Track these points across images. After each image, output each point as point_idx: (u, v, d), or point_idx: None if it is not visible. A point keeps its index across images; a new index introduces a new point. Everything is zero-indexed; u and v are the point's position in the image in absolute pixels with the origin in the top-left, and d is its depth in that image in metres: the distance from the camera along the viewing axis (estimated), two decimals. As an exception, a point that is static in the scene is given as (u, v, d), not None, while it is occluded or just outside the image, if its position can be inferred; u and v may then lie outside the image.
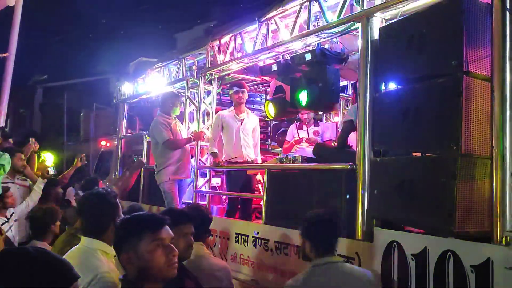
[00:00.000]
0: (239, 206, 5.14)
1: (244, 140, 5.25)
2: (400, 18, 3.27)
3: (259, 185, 5.32)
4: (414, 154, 3.25)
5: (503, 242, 2.37)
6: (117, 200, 2.46)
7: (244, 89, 5.29)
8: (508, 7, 2.51)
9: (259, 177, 5.26)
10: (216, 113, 5.54)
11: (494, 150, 2.52)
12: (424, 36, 2.89)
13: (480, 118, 2.67)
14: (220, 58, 5.29)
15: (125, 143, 7.88)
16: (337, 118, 6.82)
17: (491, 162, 2.55)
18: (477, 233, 2.61)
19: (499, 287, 2.34)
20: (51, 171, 6.38)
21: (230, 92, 5.37)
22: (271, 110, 4.53)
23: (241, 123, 5.28)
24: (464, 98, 2.62)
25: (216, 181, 5.84)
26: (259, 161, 5.42)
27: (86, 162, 7.23)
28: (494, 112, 2.54)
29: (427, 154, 3.04)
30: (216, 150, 5.20)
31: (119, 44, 15.50)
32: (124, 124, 7.86)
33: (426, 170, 2.89)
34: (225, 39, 5.21)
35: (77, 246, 2.35)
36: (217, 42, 5.32)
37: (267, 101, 4.58)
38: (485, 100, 2.65)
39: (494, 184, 2.50)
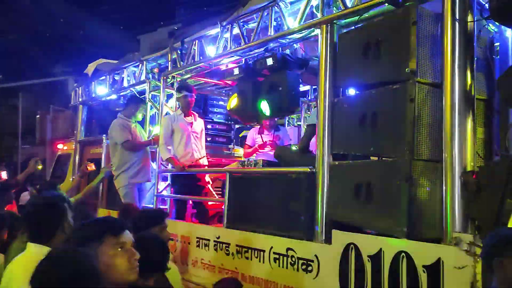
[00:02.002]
0: (194, 210, 5.12)
1: (195, 143, 5.24)
2: (358, 26, 3.37)
3: (209, 186, 5.31)
4: (372, 158, 3.35)
5: (453, 243, 2.48)
6: (66, 204, 2.39)
7: (193, 93, 5.28)
8: (457, 17, 2.63)
9: (207, 178, 5.26)
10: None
11: (444, 154, 2.63)
12: (379, 44, 2.99)
13: (432, 123, 2.78)
14: (183, 61, 5.26)
15: (83, 147, 7.67)
16: (300, 123, 6.92)
17: (441, 166, 2.65)
18: (430, 234, 2.71)
19: (449, 286, 2.44)
20: (4, 175, 6.13)
21: (178, 96, 5.31)
22: (233, 102, 4.52)
23: (191, 126, 5.26)
24: (416, 104, 2.73)
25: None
26: (206, 163, 5.42)
27: (41, 166, 6.98)
28: (444, 118, 2.65)
29: (383, 158, 3.14)
30: (171, 156, 5.15)
31: (78, 45, 15.09)
32: (83, 127, 7.66)
33: (381, 173, 2.97)
34: (188, 42, 5.19)
35: (23, 253, 2.26)
36: (179, 45, 5.28)
37: (234, 94, 4.56)
38: (436, 106, 2.76)
39: (444, 187, 2.60)
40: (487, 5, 2.66)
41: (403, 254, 2.69)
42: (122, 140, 5.40)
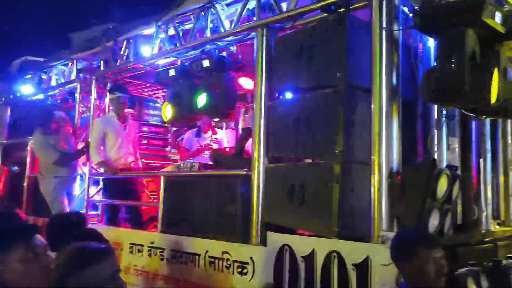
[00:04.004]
0: (128, 215, 4.96)
1: (128, 147, 5.10)
2: (293, 30, 3.43)
3: (145, 189, 5.19)
4: (306, 160, 3.41)
5: (380, 241, 2.58)
6: None
7: (127, 95, 5.13)
8: (384, 26, 2.76)
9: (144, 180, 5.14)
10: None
11: (372, 156, 2.74)
12: (312, 49, 3.06)
13: (361, 126, 2.89)
14: (116, 60, 5.07)
15: (6, 150, 7.15)
16: (238, 126, 6.92)
17: (370, 168, 2.76)
18: (359, 233, 2.81)
19: (376, 283, 2.54)
20: None
21: (111, 97, 5.14)
22: (168, 112, 4.43)
23: (125, 129, 5.11)
24: (346, 108, 2.82)
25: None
26: (140, 166, 5.29)
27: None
28: (372, 121, 2.76)
29: (316, 161, 3.21)
30: (103, 159, 4.95)
31: (2, 42, 14.09)
32: (6, 129, 7.15)
33: (314, 175, 3.04)
34: (121, 41, 5.02)
35: None
36: (112, 44, 5.10)
37: (166, 103, 4.47)
38: (365, 111, 2.87)
39: (372, 188, 2.71)
40: (411, 15, 2.81)
41: (334, 253, 2.77)
42: (51, 161, 5.16)
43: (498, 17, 2.47)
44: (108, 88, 5.23)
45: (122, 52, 5.00)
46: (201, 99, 4.00)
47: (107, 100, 5.34)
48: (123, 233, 4.43)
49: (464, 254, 2.90)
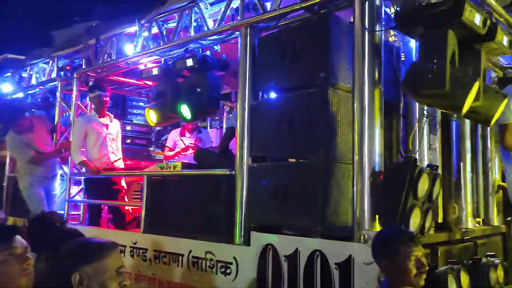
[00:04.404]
0: (110, 215, 4.92)
1: (111, 146, 5.04)
2: (276, 30, 3.44)
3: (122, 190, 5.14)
4: (290, 160, 3.42)
5: (362, 240, 2.60)
6: None
7: (107, 93, 5.08)
8: (366, 26, 2.78)
9: (123, 182, 5.09)
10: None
11: (355, 156, 2.76)
12: (296, 49, 3.07)
13: (344, 126, 2.91)
14: (98, 59, 5.01)
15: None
16: (222, 125, 6.91)
17: (353, 167, 2.78)
18: (342, 232, 2.83)
19: (358, 281, 2.56)
20: None
21: (91, 95, 5.07)
22: (152, 116, 4.40)
23: (107, 128, 5.06)
24: (330, 108, 2.84)
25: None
26: (122, 166, 5.24)
27: None
28: (355, 121, 2.78)
29: (300, 160, 3.22)
30: (84, 159, 4.88)
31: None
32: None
33: (298, 175, 3.05)
34: (104, 39, 4.96)
35: None
36: (94, 42, 5.03)
37: (147, 108, 4.46)
38: (348, 110, 2.89)
39: (355, 187, 2.73)
40: (393, 16, 2.83)
41: (317, 252, 2.78)
42: (26, 159, 5.08)
43: (477, 18, 2.51)
44: (89, 87, 5.16)
45: (104, 50, 4.94)
46: (184, 110, 3.99)
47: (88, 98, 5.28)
48: (104, 234, 4.37)
49: (444, 252, 2.95)
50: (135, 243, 3.99)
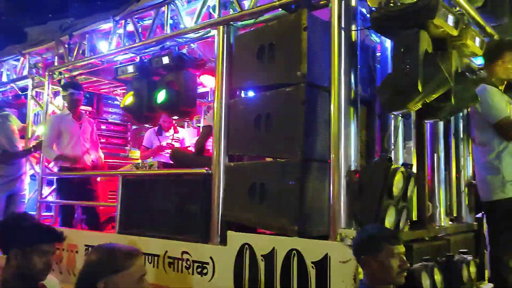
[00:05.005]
0: (84, 216, 4.82)
1: (84, 145, 4.95)
2: (253, 28, 3.42)
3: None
4: (267, 159, 3.41)
5: (338, 239, 2.61)
6: None
7: (81, 91, 4.98)
8: (342, 26, 2.79)
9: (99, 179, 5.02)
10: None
11: (331, 155, 2.77)
12: (273, 47, 3.06)
13: (321, 125, 2.92)
14: (71, 56, 4.90)
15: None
16: (200, 124, 6.85)
17: (329, 166, 2.79)
18: (319, 231, 2.83)
19: (334, 280, 2.57)
20: None
21: (64, 94, 4.97)
22: (128, 100, 4.31)
23: (80, 127, 4.96)
24: (306, 107, 2.84)
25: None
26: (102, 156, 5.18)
27: None
28: (331, 120, 2.79)
29: (277, 159, 3.21)
30: (58, 153, 4.77)
31: None
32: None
33: (275, 174, 3.04)
34: (77, 36, 4.85)
35: None
36: (67, 38, 4.92)
37: (132, 92, 4.35)
38: (325, 109, 2.90)
39: (331, 186, 2.74)
40: (368, 16, 2.85)
41: (294, 251, 2.77)
42: None
43: (450, 19, 2.55)
44: (61, 85, 5.05)
45: (78, 48, 4.83)
46: (160, 96, 3.92)
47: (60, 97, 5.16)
48: (78, 235, 4.28)
49: (419, 249, 2.99)
50: (109, 244, 3.91)
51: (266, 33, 3.19)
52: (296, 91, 2.92)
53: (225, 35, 3.46)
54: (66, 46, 4.94)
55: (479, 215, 4.21)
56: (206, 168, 3.42)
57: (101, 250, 1.82)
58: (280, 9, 3.23)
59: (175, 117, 5.21)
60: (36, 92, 5.46)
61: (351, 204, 2.69)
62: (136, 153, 6.89)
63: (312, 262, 2.67)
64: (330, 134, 2.80)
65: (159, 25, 4.15)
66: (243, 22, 3.49)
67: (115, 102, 6.68)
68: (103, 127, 6.51)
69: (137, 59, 4.42)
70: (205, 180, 3.42)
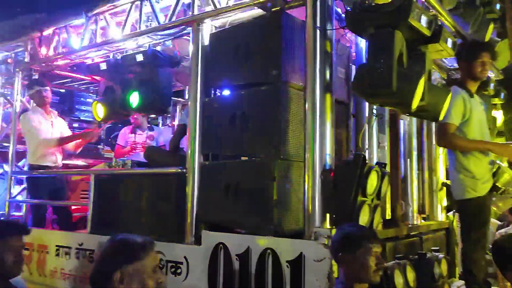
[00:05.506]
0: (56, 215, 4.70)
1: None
2: (229, 27, 3.39)
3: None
4: (242, 158, 3.39)
5: (313, 238, 2.61)
6: None
7: (48, 88, 4.85)
8: (318, 25, 2.80)
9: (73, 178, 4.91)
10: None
11: (306, 154, 2.77)
12: (248, 46, 3.04)
13: (296, 124, 2.91)
14: (43, 52, 4.77)
15: None
16: (175, 123, 6.78)
17: (304, 165, 2.79)
18: (294, 230, 2.83)
19: (309, 279, 2.57)
20: None
21: (31, 92, 4.84)
22: (99, 111, 4.23)
23: (52, 125, 4.84)
24: (282, 105, 2.83)
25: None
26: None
27: None
28: (306, 119, 2.79)
29: (252, 158, 3.19)
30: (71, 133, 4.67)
31: None
32: None
33: (250, 173, 3.02)
34: (49, 31, 4.72)
35: None
36: (39, 35, 4.78)
37: (95, 102, 4.28)
38: (300, 108, 2.90)
39: (306, 185, 2.74)
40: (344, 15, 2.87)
41: (269, 251, 2.76)
42: None
43: (424, 20, 2.58)
44: (27, 83, 4.90)
45: (49, 44, 4.70)
46: (134, 99, 3.84)
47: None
48: (48, 235, 4.17)
49: (392, 248, 3.03)
50: (81, 245, 3.83)
51: (241, 31, 3.17)
52: (271, 90, 2.91)
53: (200, 33, 3.43)
54: (37, 42, 4.79)
55: (451, 213, 4.30)
56: (181, 167, 3.37)
57: (116, 241, 1.84)
58: (256, 8, 3.21)
59: (151, 116, 5.14)
60: (6, 89, 5.28)
61: (325, 203, 2.70)
62: (109, 152, 6.77)
63: (287, 261, 2.67)
64: (305, 133, 2.80)
65: (133, 22, 4.08)
66: (218, 20, 3.46)
67: (88, 100, 6.53)
68: (75, 125, 6.36)
69: (111, 56, 4.33)
70: (179, 179, 3.38)
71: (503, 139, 6.39)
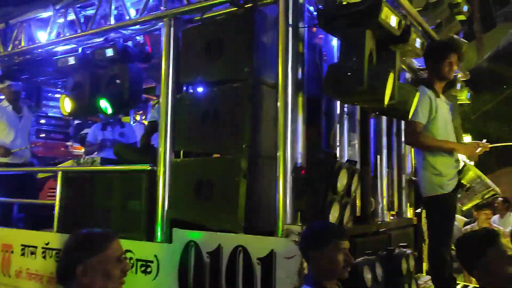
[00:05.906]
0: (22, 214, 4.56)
1: (24, 139, 4.71)
2: (201, 23, 3.36)
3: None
4: (214, 155, 3.36)
5: (284, 235, 2.62)
6: None
7: (19, 83, 4.72)
8: (290, 23, 2.80)
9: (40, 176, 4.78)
10: None
11: (278, 152, 2.77)
12: (221, 42, 3.02)
13: (268, 122, 2.91)
14: (6, 46, 4.60)
15: None
16: (146, 120, 6.67)
17: (276, 162, 2.79)
18: (265, 227, 2.83)
19: (279, 275, 2.58)
20: None
21: (1, 87, 4.73)
22: (67, 105, 4.11)
23: (20, 120, 4.70)
24: (254, 103, 2.83)
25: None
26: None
27: None
28: (278, 117, 2.79)
29: (224, 155, 3.18)
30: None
31: None
32: None
33: (222, 170, 3.00)
34: (14, 24, 4.56)
35: None
36: (4, 27, 4.62)
37: (63, 95, 4.15)
38: (272, 106, 2.90)
39: (277, 182, 2.74)
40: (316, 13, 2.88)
41: (240, 248, 2.75)
42: None
43: (393, 20, 2.62)
44: None
45: (15, 37, 4.55)
46: (103, 103, 3.76)
47: None
48: (13, 234, 4.04)
49: (361, 244, 3.07)
50: (47, 244, 3.72)
51: (214, 28, 3.15)
52: (243, 87, 2.90)
53: (171, 29, 3.38)
54: (2, 35, 4.63)
55: (419, 210, 4.40)
56: (151, 165, 3.32)
57: (77, 235, 1.86)
58: (228, 4, 3.19)
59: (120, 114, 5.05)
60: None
61: (296, 200, 2.71)
62: (78, 149, 6.61)
63: (257, 259, 2.67)
64: (277, 130, 2.80)
65: (103, 16, 3.98)
66: (191, 16, 3.41)
67: (56, 95, 6.35)
68: (42, 121, 6.19)
69: (79, 51, 4.21)
70: (149, 176, 3.33)
71: (470, 137, 6.60)
